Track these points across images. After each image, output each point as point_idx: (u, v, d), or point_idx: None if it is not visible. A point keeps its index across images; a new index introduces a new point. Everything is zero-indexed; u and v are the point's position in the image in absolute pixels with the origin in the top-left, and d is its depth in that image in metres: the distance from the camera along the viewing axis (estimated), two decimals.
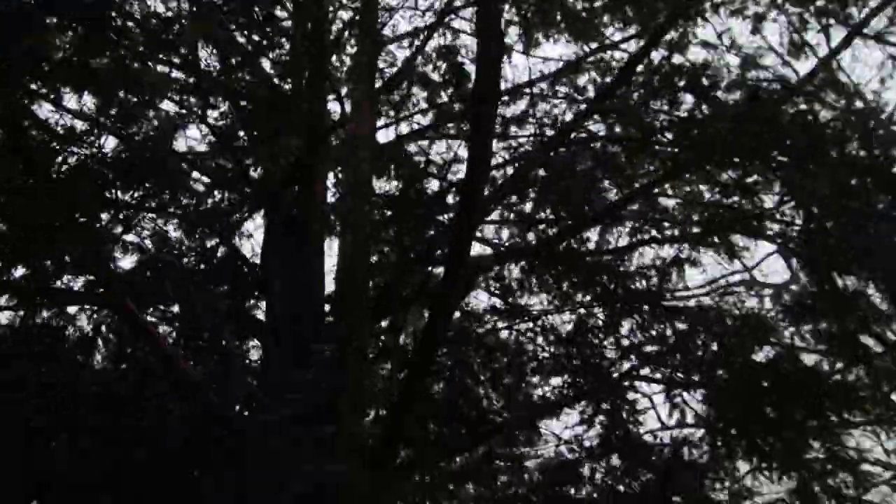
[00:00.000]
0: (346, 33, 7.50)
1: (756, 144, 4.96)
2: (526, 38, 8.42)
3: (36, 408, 4.74)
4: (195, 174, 7.12)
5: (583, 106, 6.67)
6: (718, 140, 4.97)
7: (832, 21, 7.36)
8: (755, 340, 6.93)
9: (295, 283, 6.24)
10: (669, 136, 5.66)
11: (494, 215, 7.21)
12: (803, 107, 5.17)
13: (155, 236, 7.66)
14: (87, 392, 4.85)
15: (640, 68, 6.45)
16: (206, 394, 4.76)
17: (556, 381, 7.50)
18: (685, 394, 7.44)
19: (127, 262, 7.21)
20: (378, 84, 7.28)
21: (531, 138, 6.85)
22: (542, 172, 6.44)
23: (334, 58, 7.32)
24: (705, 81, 5.37)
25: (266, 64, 7.08)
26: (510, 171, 6.81)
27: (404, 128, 7.65)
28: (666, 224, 7.06)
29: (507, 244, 7.11)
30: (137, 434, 4.52)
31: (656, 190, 6.42)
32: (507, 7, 7.92)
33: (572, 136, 6.15)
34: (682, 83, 5.46)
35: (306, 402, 4.43)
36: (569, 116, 6.65)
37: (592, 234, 7.35)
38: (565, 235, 6.56)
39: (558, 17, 8.27)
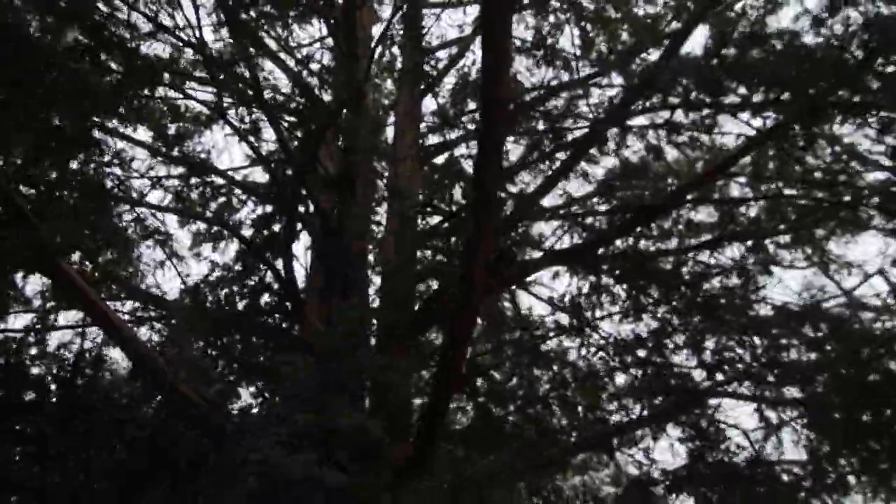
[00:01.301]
0: (384, 45, 7.28)
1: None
2: (583, 43, 7.98)
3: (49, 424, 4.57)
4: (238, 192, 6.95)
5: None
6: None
7: None
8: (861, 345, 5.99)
9: (334, 294, 5.85)
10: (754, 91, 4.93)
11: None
12: None
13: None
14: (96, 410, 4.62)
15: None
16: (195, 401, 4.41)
17: (631, 401, 6.76)
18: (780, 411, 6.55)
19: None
20: (422, 87, 6.98)
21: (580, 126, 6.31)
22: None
23: (375, 67, 7.07)
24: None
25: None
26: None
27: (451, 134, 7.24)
28: (743, 218, 6.28)
29: (560, 241, 6.51)
30: (142, 447, 4.22)
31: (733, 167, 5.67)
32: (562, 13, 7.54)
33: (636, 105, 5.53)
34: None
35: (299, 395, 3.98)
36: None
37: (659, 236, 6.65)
38: (627, 228, 5.89)
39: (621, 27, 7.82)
